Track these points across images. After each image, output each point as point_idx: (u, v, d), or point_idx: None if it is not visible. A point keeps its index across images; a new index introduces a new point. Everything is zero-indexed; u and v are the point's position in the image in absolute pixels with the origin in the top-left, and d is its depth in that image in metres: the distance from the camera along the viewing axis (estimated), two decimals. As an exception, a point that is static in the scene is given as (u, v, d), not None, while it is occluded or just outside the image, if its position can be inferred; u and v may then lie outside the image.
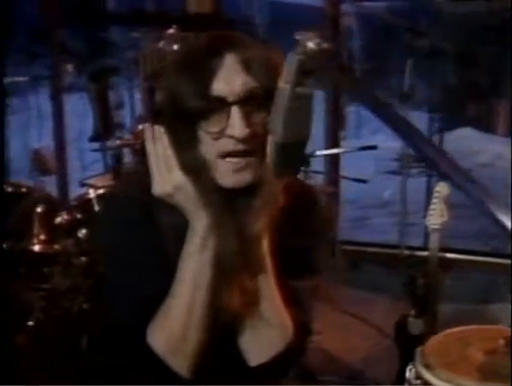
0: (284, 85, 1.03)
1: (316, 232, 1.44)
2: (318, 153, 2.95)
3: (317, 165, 3.44)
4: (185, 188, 1.24)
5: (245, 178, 1.25)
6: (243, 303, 1.28)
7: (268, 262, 1.29)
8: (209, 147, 1.24)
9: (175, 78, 1.26)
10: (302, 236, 1.37)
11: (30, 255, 2.52)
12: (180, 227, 1.27)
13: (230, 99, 1.22)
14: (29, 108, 4.67)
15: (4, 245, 2.48)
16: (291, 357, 1.35)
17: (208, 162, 1.25)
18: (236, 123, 1.21)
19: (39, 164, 3.03)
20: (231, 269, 1.27)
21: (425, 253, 2.46)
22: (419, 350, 1.42)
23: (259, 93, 1.22)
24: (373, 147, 2.90)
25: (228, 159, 1.24)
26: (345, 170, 4.17)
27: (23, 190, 2.72)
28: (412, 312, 2.44)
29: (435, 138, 4.27)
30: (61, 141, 4.23)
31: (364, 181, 3.50)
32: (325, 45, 1.00)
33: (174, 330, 1.26)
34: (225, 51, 1.24)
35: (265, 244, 1.29)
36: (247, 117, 1.23)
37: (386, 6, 6.61)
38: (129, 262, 1.32)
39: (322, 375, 2.89)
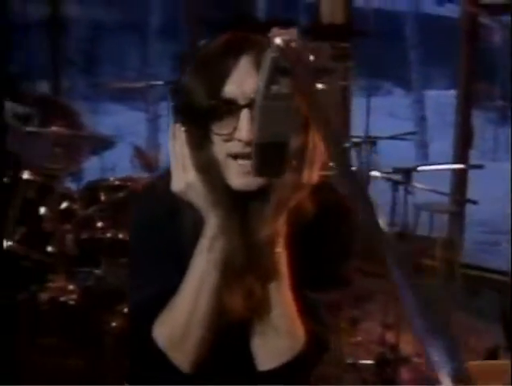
0: (259, 84, 1.01)
1: (343, 244, 1.38)
2: (421, 168, 2.83)
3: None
4: (197, 187, 1.24)
5: (254, 181, 1.21)
6: (249, 308, 1.26)
7: (283, 270, 1.26)
8: (220, 148, 1.23)
9: (192, 78, 1.26)
10: (326, 247, 1.33)
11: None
12: (199, 226, 1.28)
13: (241, 102, 1.20)
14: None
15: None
16: (301, 367, 1.31)
17: (219, 163, 1.24)
18: (244, 126, 1.19)
19: (141, 161, 3.17)
20: (237, 272, 1.25)
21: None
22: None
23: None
24: (479, 166, 2.73)
25: (237, 161, 1.22)
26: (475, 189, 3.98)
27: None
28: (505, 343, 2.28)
29: None
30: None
31: (474, 202, 3.31)
32: (295, 43, 0.96)
33: (176, 326, 1.27)
34: (241, 53, 1.22)
35: (280, 251, 1.26)
36: None
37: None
38: (149, 256, 1.35)
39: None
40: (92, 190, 3.06)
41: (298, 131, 1.19)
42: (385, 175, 2.98)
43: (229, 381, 1.32)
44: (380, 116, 9.47)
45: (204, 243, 1.25)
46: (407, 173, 2.81)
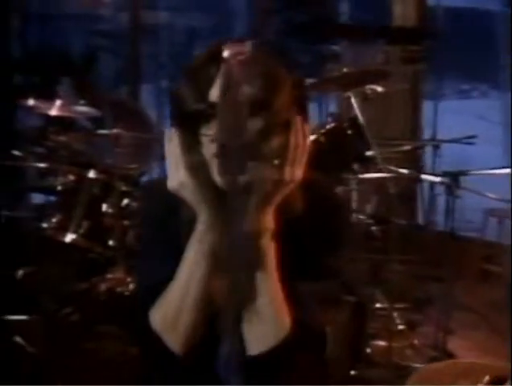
0: (219, 90, 1.11)
1: (330, 236, 1.46)
2: (474, 172, 2.82)
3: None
4: (187, 185, 1.35)
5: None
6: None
7: (270, 261, 1.34)
8: (207, 149, 1.33)
9: (182, 85, 1.37)
10: (314, 239, 1.41)
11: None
12: (194, 221, 1.39)
13: None
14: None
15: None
16: (286, 353, 1.37)
17: (207, 163, 1.34)
18: None
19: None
20: (225, 263, 1.32)
21: None
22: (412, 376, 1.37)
23: (254, 102, 1.28)
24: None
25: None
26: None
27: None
28: None
29: None
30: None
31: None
32: (242, 56, 1.05)
33: (169, 310, 1.38)
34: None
35: (267, 243, 1.34)
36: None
37: None
38: (153, 246, 1.48)
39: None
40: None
41: (278, 130, 1.31)
42: (436, 179, 2.98)
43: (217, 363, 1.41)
44: (469, 118, 9.28)
45: (195, 236, 1.36)
46: (455, 176, 2.80)
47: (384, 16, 4.92)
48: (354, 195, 3.34)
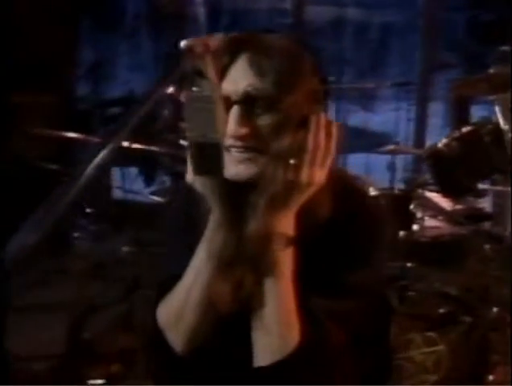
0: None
1: (360, 252, 1.34)
2: None
3: None
4: (201, 180, 1.30)
5: (245, 170, 1.27)
6: (238, 300, 1.29)
7: (284, 268, 1.27)
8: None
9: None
10: (340, 252, 1.31)
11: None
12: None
13: (233, 98, 1.26)
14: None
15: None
16: (292, 370, 1.28)
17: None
18: (231, 121, 1.25)
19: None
20: (228, 264, 1.29)
21: None
22: None
23: (265, 95, 1.24)
24: None
25: (230, 152, 1.27)
26: None
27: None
28: None
29: None
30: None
31: None
32: (199, 48, 1.03)
33: (173, 306, 1.36)
34: (239, 52, 1.27)
35: (281, 248, 1.26)
36: (248, 116, 1.25)
37: None
38: (175, 242, 1.47)
39: None
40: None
41: (293, 128, 1.24)
42: None
43: (227, 373, 1.37)
44: None
45: (206, 234, 1.32)
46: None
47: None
48: (489, 207, 3.11)
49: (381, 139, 3.74)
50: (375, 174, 4.06)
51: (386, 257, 1.49)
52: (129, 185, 4.51)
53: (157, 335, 1.38)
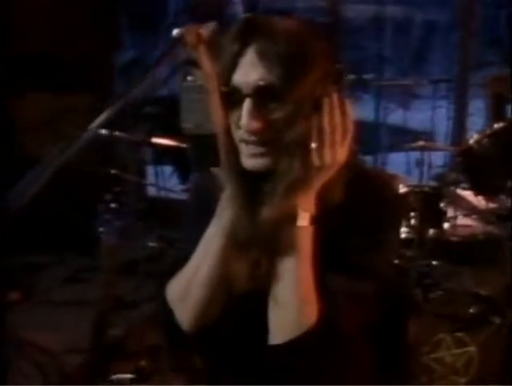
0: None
1: (377, 234, 1.33)
2: None
3: None
4: (221, 167, 1.29)
5: (262, 162, 1.27)
6: (254, 279, 1.30)
7: (303, 246, 1.27)
8: (235, 134, 1.28)
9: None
10: (358, 234, 1.31)
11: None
12: None
13: (245, 91, 1.24)
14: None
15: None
16: (308, 349, 1.27)
17: (235, 146, 1.29)
18: (244, 116, 1.23)
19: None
20: (242, 243, 1.29)
21: None
22: None
23: (278, 87, 1.22)
24: None
25: (246, 145, 1.27)
26: None
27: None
28: None
29: None
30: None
31: None
32: (192, 37, 1.02)
33: (181, 283, 1.36)
34: (249, 42, 1.25)
35: (301, 228, 1.27)
36: (261, 110, 1.24)
37: None
38: (191, 222, 1.46)
39: None
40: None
41: (307, 111, 1.23)
42: None
43: (239, 352, 1.37)
44: None
45: (218, 210, 1.31)
46: None
47: None
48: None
49: (420, 137, 3.67)
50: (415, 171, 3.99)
51: (398, 240, 1.48)
52: (163, 182, 4.54)
53: (165, 313, 1.37)
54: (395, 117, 6.03)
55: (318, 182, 1.27)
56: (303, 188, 1.25)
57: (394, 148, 5.40)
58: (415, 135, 4.06)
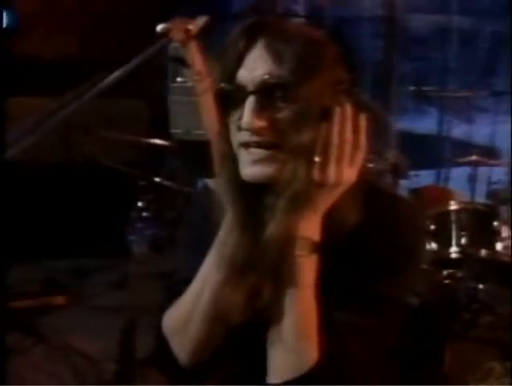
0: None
1: (389, 259, 1.19)
2: None
3: None
4: (219, 180, 1.21)
5: (264, 171, 1.15)
6: (253, 310, 1.18)
7: (305, 277, 1.15)
8: (234, 138, 1.18)
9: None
10: (368, 260, 1.18)
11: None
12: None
13: (250, 88, 1.14)
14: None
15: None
16: None
17: (233, 153, 1.19)
18: (246, 113, 1.13)
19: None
20: (242, 270, 1.18)
21: None
22: None
23: (284, 84, 1.12)
24: None
25: (247, 150, 1.16)
26: None
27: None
28: None
29: None
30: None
31: None
32: (178, 35, 0.94)
33: (180, 313, 1.27)
34: (256, 38, 1.16)
35: (302, 255, 1.15)
36: (265, 108, 1.13)
37: None
38: (188, 245, 1.38)
39: None
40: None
41: (314, 120, 1.11)
42: None
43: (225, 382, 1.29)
44: None
45: (219, 237, 1.22)
46: None
47: None
48: None
49: (473, 152, 3.53)
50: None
51: (420, 267, 1.34)
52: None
53: (161, 344, 1.29)
54: (458, 130, 5.84)
55: (322, 204, 1.14)
56: (307, 204, 1.12)
57: (453, 162, 5.23)
58: (478, 150, 3.91)
